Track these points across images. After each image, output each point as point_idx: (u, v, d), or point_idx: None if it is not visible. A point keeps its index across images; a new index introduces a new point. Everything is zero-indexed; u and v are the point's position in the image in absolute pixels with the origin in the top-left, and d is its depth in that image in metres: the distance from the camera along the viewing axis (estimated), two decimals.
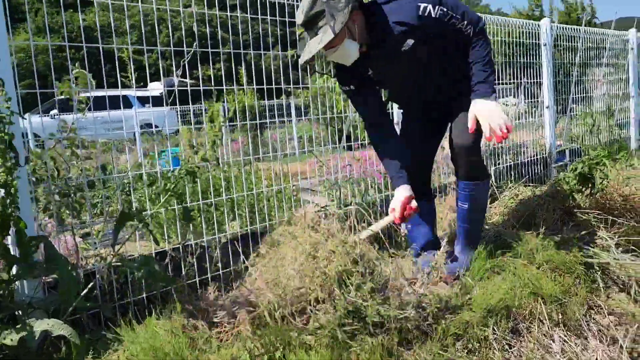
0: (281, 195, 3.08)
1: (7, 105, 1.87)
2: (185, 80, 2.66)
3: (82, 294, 2.01)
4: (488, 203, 2.82)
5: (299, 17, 2.21)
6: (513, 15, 12.04)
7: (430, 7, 2.20)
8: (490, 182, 3.06)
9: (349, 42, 2.22)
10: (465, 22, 2.27)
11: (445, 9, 2.22)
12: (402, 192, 2.39)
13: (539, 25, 4.84)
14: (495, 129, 2.25)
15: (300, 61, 2.25)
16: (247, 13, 2.84)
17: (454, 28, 2.28)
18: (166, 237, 2.58)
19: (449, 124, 2.56)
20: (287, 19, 2.98)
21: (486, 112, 2.28)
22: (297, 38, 2.41)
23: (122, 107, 2.35)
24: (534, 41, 4.81)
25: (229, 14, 2.84)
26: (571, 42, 5.46)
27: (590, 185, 3.33)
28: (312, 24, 2.18)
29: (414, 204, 2.39)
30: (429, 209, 2.73)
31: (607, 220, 3.10)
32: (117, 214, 2.11)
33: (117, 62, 2.30)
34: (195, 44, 2.48)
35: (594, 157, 3.39)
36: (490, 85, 2.31)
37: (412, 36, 2.28)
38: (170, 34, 2.46)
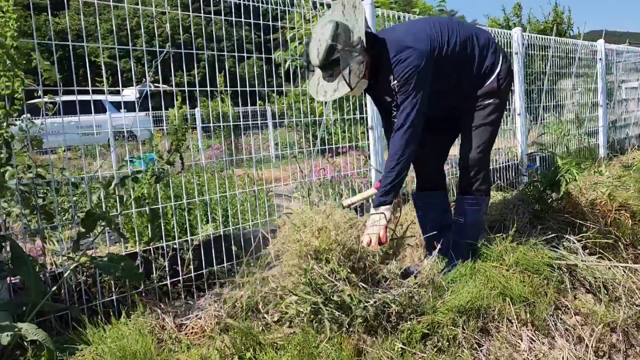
0: (254, 200, 3.08)
1: None
2: (159, 85, 2.65)
3: (48, 295, 1.97)
4: (485, 219, 2.88)
5: (314, 60, 2.34)
6: (489, 24, 12.24)
7: (392, 78, 2.38)
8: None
9: (360, 82, 2.39)
10: (400, 108, 2.39)
11: (396, 87, 2.38)
12: None
13: (510, 35, 4.94)
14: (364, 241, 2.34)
15: (312, 93, 2.45)
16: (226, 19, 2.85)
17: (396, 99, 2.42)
18: (137, 239, 2.55)
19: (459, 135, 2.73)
20: (261, 22, 3.00)
21: (368, 222, 2.42)
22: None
23: (93, 112, 2.32)
24: (506, 50, 4.91)
25: (194, 13, 2.84)
26: (542, 52, 5.59)
27: (556, 190, 3.41)
28: (327, 68, 2.34)
29: None
30: (442, 197, 2.86)
31: (574, 224, 3.17)
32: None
33: (87, 66, 2.28)
34: (168, 44, 2.48)
35: (561, 165, 3.47)
36: (379, 196, 2.42)
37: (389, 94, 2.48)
38: (143, 38, 2.45)
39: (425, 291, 2.22)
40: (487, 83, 2.56)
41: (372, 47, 2.39)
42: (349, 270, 2.02)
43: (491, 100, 2.57)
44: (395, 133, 2.40)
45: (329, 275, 1.99)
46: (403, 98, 2.36)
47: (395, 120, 2.41)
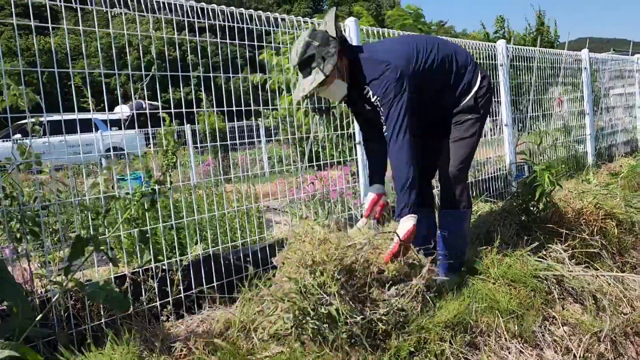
0: (245, 217, 3.09)
1: None
2: (153, 103, 2.67)
3: (36, 321, 1.97)
4: (469, 232, 2.88)
5: (293, 60, 2.45)
6: (477, 35, 12.35)
7: (371, 93, 2.45)
8: None
9: (338, 82, 2.47)
10: (386, 120, 2.42)
11: (378, 102, 2.42)
12: (371, 192, 2.75)
13: (494, 47, 5.01)
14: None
15: (295, 97, 2.52)
16: (216, 37, 2.89)
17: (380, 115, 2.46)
18: (125, 261, 2.56)
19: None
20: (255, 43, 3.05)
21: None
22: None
23: (79, 131, 2.34)
24: (491, 62, 4.97)
25: (179, 36, 2.87)
26: (527, 62, 5.67)
27: (544, 201, 3.44)
28: (304, 66, 2.43)
29: (382, 201, 2.73)
30: (427, 215, 2.79)
31: (561, 234, 3.20)
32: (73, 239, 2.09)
33: (73, 88, 2.30)
34: (154, 67, 2.50)
35: (538, 173, 3.48)
36: (399, 208, 2.38)
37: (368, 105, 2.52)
38: (128, 57, 2.48)
39: (413, 308, 2.23)
40: (464, 101, 2.63)
41: (350, 51, 2.48)
42: (340, 287, 2.04)
43: (470, 116, 2.64)
44: (389, 146, 2.44)
45: (319, 287, 2.01)
46: (387, 109, 2.41)
47: (386, 133, 2.45)
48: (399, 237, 2.26)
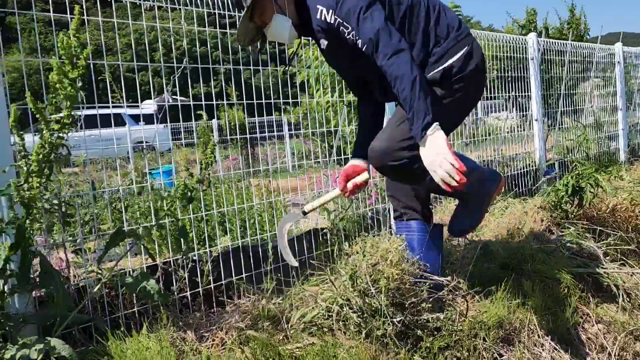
0: (272, 210, 3.10)
1: None
2: (177, 97, 2.70)
3: (77, 309, 2.01)
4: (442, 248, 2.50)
5: None
6: (508, 30, 12.05)
7: (324, 10, 1.94)
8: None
9: (278, 18, 2.03)
10: (358, 38, 1.91)
11: (337, 17, 1.92)
12: (350, 163, 2.26)
13: (525, 40, 4.92)
14: (441, 180, 1.82)
15: (237, 42, 2.15)
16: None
17: (347, 40, 1.95)
18: (157, 252, 2.59)
19: None
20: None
21: (427, 161, 1.86)
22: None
23: (113, 125, 2.38)
24: (522, 55, 4.88)
25: (209, 28, 2.88)
26: (559, 56, 5.55)
27: (578, 197, 3.37)
28: (239, 4, 2.04)
29: (359, 178, 2.19)
30: (418, 228, 2.36)
31: (595, 231, 3.13)
32: (110, 231, 2.13)
33: (108, 80, 2.33)
34: (185, 59, 2.52)
35: (582, 171, 3.43)
36: (418, 123, 1.82)
37: (324, 37, 2.05)
38: (160, 52, 2.50)
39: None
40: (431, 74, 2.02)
41: None
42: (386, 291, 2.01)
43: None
44: (382, 64, 1.88)
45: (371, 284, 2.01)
46: (356, 23, 1.89)
47: (375, 53, 1.88)
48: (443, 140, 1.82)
